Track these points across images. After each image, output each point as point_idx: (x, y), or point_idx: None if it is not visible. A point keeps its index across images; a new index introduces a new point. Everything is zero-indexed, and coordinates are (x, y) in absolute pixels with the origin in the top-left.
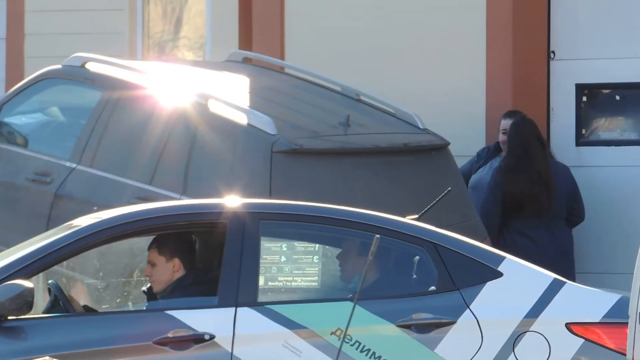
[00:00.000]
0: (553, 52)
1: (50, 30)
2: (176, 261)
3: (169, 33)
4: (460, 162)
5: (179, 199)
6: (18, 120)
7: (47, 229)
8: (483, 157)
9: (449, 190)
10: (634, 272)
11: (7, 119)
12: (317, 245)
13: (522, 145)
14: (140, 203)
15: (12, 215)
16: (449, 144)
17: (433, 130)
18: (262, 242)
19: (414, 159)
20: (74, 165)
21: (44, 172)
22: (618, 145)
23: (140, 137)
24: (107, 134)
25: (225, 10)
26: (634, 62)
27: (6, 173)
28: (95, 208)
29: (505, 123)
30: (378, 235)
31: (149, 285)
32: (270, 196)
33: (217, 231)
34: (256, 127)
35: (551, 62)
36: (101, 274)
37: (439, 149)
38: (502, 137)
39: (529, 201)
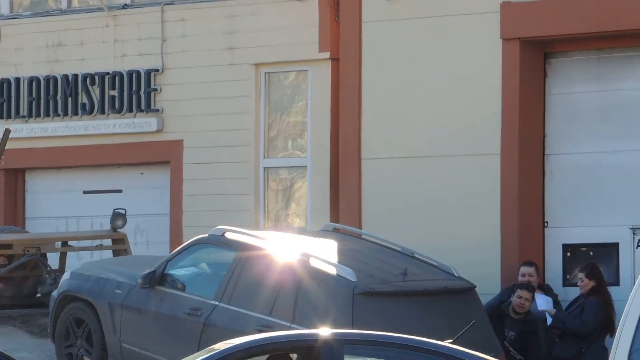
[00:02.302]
0: (547, 222)
1: (200, 208)
2: None
3: (281, 208)
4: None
5: (289, 327)
6: (178, 272)
7: (198, 349)
8: (507, 294)
9: (474, 322)
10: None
11: (171, 271)
12: None
13: (603, 281)
14: (262, 330)
15: (175, 339)
16: (475, 287)
17: (463, 276)
18: (344, 359)
19: (451, 298)
20: (217, 303)
21: (196, 308)
22: None
23: (262, 283)
24: (239, 281)
25: (321, 192)
26: (601, 229)
27: (171, 309)
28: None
29: (524, 269)
30: None
31: None
32: (352, 326)
33: (313, 351)
34: (342, 276)
35: (545, 229)
36: None
37: (468, 291)
38: (521, 279)
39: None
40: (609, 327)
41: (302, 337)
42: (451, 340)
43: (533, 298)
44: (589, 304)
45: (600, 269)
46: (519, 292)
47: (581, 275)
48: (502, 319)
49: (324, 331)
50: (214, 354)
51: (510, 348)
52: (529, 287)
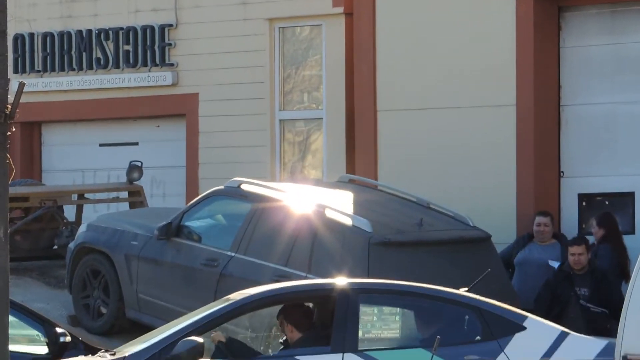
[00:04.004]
0: (562, 171)
1: (216, 160)
2: (290, 327)
3: (297, 160)
4: (497, 248)
5: (305, 277)
6: (194, 224)
7: (214, 299)
8: (521, 242)
9: (489, 270)
10: (620, 323)
11: (187, 223)
12: (398, 309)
13: (616, 228)
14: (278, 280)
15: (191, 289)
16: (490, 236)
17: (479, 226)
18: (360, 308)
19: (467, 248)
20: (233, 254)
21: (212, 259)
22: None
23: (278, 234)
24: (255, 232)
25: (336, 144)
26: (617, 179)
27: (187, 260)
28: None
29: (539, 219)
30: (439, 337)
31: (284, 338)
32: (368, 275)
33: (330, 301)
34: (358, 227)
35: (561, 179)
36: (249, 330)
37: (484, 240)
38: (536, 229)
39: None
40: (623, 273)
41: (318, 286)
42: (467, 289)
43: (588, 249)
44: (602, 250)
45: (613, 217)
46: (569, 249)
47: (593, 223)
48: (570, 279)
49: (340, 281)
50: (230, 303)
51: (589, 304)
52: (577, 240)
